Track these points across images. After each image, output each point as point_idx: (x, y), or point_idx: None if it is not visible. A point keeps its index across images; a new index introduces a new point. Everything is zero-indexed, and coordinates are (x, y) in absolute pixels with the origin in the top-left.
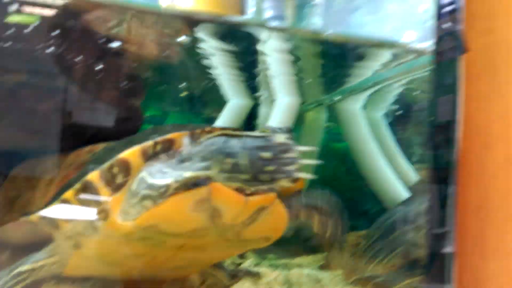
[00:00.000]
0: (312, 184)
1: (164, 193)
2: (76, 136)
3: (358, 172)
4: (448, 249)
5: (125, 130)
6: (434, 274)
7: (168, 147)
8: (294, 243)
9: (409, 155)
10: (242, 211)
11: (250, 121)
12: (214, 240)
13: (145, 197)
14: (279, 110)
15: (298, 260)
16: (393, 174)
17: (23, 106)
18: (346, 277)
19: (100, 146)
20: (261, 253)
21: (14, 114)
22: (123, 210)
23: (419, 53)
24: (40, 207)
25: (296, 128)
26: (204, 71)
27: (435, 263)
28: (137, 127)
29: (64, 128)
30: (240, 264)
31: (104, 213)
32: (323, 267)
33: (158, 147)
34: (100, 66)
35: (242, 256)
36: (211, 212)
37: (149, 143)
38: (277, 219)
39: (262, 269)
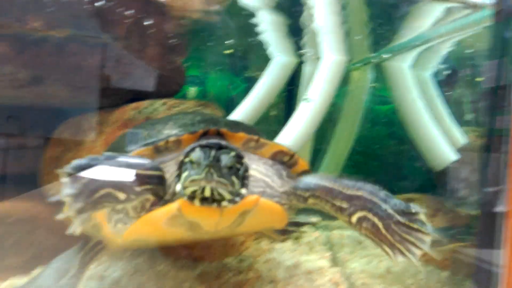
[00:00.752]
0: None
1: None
2: (120, 93)
3: (402, 135)
4: (500, 208)
5: (168, 88)
6: (485, 233)
7: None
8: None
9: (458, 117)
10: (220, 220)
11: (293, 80)
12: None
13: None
14: (324, 69)
15: (338, 222)
16: (441, 135)
17: (68, 62)
18: None
19: (144, 104)
20: (300, 215)
21: (60, 71)
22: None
23: (476, 7)
24: None
25: (341, 88)
26: (247, 29)
27: (487, 223)
28: (179, 85)
29: (109, 84)
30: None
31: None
32: None
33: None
34: (145, 23)
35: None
36: (189, 225)
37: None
38: (270, 215)
39: (304, 229)
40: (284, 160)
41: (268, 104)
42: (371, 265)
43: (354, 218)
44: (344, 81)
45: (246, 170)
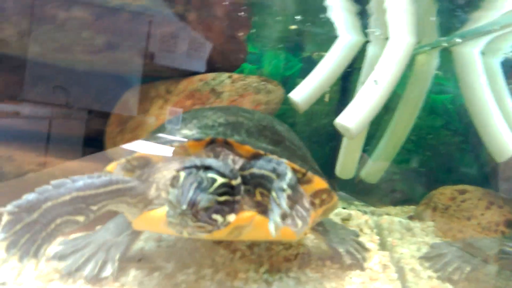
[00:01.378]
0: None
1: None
2: (187, 64)
3: (456, 127)
4: None
5: (230, 62)
6: None
7: None
8: (379, 194)
9: None
10: (212, 234)
11: (355, 61)
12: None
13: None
14: (392, 50)
15: (385, 209)
16: (507, 126)
17: (142, 31)
18: (439, 231)
19: (210, 76)
20: (347, 199)
21: (133, 38)
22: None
23: None
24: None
25: (404, 73)
26: (312, 4)
27: None
28: (241, 60)
29: (177, 55)
30: None
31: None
32: (412, 218)
33: None
34: None
35: None
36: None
37: None
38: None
39: (352, 211)
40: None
41: (330, 83)
42: (421, 252)
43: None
44: (408, 66)
45: (239, 193)
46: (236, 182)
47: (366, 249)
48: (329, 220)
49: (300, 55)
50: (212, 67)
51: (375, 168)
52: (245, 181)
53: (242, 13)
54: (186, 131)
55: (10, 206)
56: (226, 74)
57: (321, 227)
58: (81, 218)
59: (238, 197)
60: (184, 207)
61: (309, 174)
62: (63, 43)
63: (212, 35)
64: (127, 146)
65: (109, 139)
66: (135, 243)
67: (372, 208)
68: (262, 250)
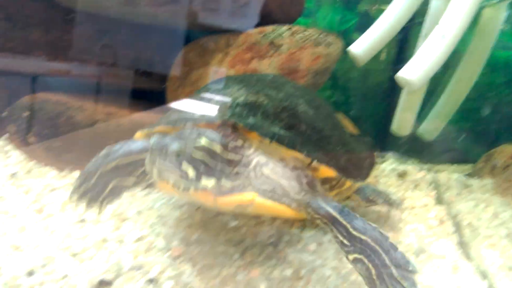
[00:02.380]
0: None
1: None
2: (247, 16)
3: None
4: None
5: (288, 14)
6: None
7: None
8: (436, 152)
9: None
10: (217, 206)
11: (415, 15)
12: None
13: None
14: (457, 3)
15: (441, 166)
16: None
17: None
18: (498, 188)
19: (269, 29)
20: (401, 157)
21: None
22: None
23: None
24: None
25: (469, 27)
26: None
27: None
28: (298, 13)
29: (236, 8)
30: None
31: None
32: (470, 175)
33: None
34: None
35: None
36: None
37: None
38: (275, 212)
39: (408, 167)
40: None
41: (391, 36)
42: (478, 208)
43: (351, 257)
44: (473, 19)
45: (225, 165)
46: (221, 151)
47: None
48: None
49: (356, 9)
50: (269, 19)
51: (433, 126)
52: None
53: None
54: (207, 108)
55: (80, 173)
56: (286, 27)
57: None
58: (130, 181)
59: (223, 167)
60: (155, 146)
61: (315, 163)
62: None
63: None
64: (173, 104)
65: (170, 93)
66: None
67: (428, 165)
68: None
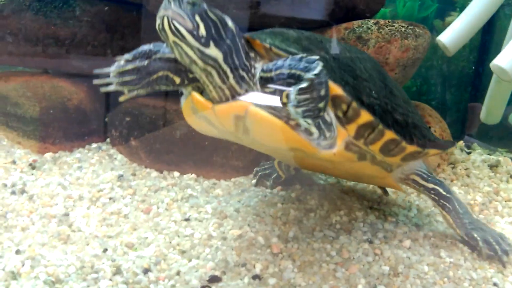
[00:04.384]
0: None
1: None
2: (334, 11)
3: None
4: None
5: (371, 6)
6: None
7: None
8: None
9: None
10: (218, 118)
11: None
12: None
13: None
14: None
15: None
16: None
17: None
18: None
19: (356, 23)
20: (489, 147)
21: None
22: None
23: None
24: None
25: None
26: None
27: None
28: (381, 4)
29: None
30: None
31: None
32: None
33: None
34: None
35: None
36: (208, 121)
37: None
38: (270, 129)
39: (499, 158)
40: None
41: (481, 25)
42: None
43: None
44: None
45: (224, 28)
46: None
47: (509, 244)
48: (461, 202)
49: None
50: (353, 12)
51: None
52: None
53: None
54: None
55: (128, 54)
56: (373, 21)
57: (451, 205)
58: (177, 79)
59: (231, 50)
60: None
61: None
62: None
63: None
64: None
65: None
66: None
67: None
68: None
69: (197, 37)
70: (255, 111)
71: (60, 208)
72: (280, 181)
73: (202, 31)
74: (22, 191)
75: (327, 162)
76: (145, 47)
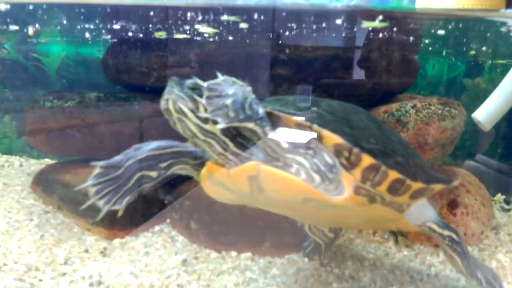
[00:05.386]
0: None
1: None
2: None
3: None
4: None
5: (406, 82)
6: None
7: None
8: None
9: None
10: (232, 181)
11: None
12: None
13: None
14: None
15: None
16: None
17: None
18: None
19: (394, 107)
20: None
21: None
22: None
23: None
24: None
25: None
26: None
27: None
28: (414, 78)
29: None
30: None
31: None
32: None
33: None
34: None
35: None
36: (223, 185)
37: None
38: (289, 186)
39: None
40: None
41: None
42: None
43: None
44: None
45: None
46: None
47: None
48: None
49: (463, 57)
50: (392, 88)
51: None
52: None
53: (416, 40)
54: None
55: (103, 162)
56: (410, 104)
57: (461, 249)
58: (154, 174)
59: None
60: (174, 80)
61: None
62: None
63: (392, 61)
64: None
65: None
66: (346, 263)
67: None
68: None
69: (197, 115)
70: (266, 168)
71: None
72: (321, 249)
73: (202, 110)
74: (99, 283)
75: (341, 210)
76: (117, 158)
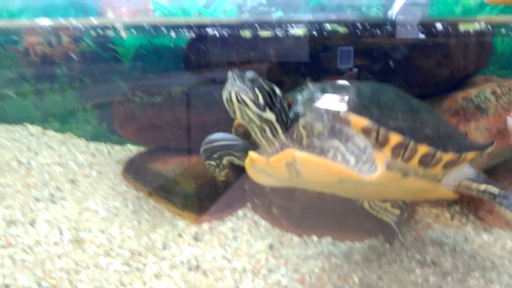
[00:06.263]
0: None
1: None
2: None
3: None
4: None
5: (481, 64)
6: None
7: None
8: None
9: None
10: (272, 168)
11: None
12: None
13: None
14: None
15: None
16: None
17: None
18: None
19: (473, 93)
20: None
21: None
22: None
23: None
24: None
25: None
26: None
27: None
28: (487, 61)
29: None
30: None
31: None
32: None
33: None
34: None
35: None
36: (266, 172)
37: None
38: (317, 167)
39: None
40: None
41: None
42: None
43: None
44: None
45: (274, 95)
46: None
47: None
48: None
49: None
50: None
51: None
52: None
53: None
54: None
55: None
56: (489, 90)
57: (507, 199)
58: (213, 163)
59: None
60: (236, 72)
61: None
62: None
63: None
64: None
65: None
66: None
67: None
68: None
69: (257, 105)
70: (300, 155)
71: (230, 282)
72: (395, 231)
73: (261, 100)
74: (197, 267)
75: (378, 186)
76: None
